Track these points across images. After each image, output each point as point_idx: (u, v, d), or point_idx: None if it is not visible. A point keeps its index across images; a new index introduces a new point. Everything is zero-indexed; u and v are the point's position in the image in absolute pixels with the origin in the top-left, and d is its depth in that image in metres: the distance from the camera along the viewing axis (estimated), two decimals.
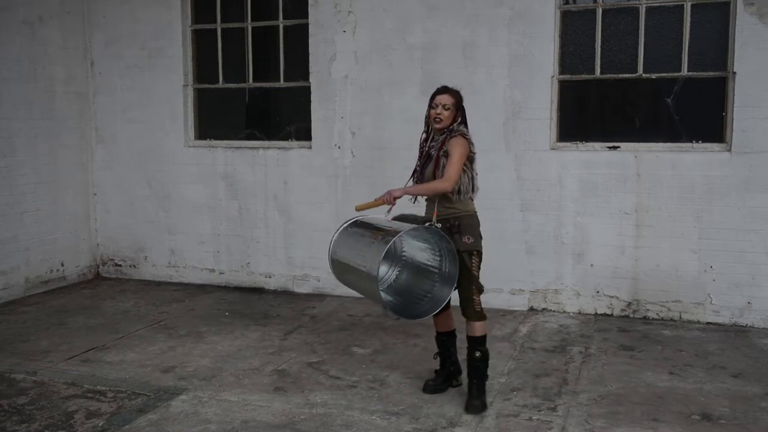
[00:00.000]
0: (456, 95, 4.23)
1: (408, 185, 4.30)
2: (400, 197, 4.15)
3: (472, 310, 4.13)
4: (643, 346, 5.38)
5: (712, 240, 5.88)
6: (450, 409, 4.18)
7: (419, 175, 4.29)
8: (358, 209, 4.33)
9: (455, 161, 4.06)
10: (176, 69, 7.36)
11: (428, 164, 4.21)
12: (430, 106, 4.23)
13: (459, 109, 4.23)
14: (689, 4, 5.87)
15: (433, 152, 4.18)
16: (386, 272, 4.44)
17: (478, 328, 4.16)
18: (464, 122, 4.25)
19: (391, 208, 4.23)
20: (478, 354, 4.17)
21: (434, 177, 4.14)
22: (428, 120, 4.27)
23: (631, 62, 6.08)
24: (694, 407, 4.21)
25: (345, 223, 4.44)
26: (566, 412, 4.14)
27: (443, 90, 4.25)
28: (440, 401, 4.29)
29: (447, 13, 6.38)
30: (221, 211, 7.34)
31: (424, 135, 4.34)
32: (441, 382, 4.45)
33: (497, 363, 4.96)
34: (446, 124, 4.19)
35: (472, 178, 4.20)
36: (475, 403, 4.13)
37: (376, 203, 4.24)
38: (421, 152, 4.34)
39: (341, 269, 4.38)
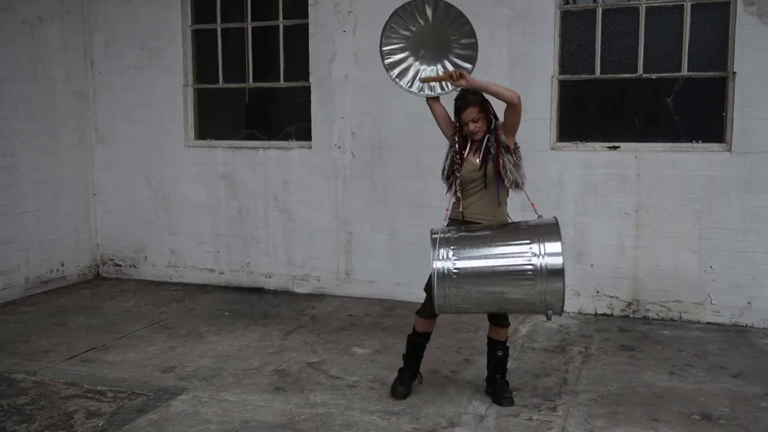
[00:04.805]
0: (477, 100, 4.10)
1: (451, 186, 4.17)
2: (468, 84, 4.07)
3: (505, 317, 4.28)
4: (643, 346, 5.38)
5: (712, 240, 5.88)
6: (450, 409, 4.19)
7: (459, 180, 4.13)
8: (424, 80, 4.30)
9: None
10: (176, 69, 7.36)
11: (486, 163, 4.09)
12: (461, 123, 4.13)
13: (487, 108, 4.14)
14: (689, 4, 5.88)
15: (492, 149, 4.08)
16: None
17: (506, 333, 4.35)
18: (496, 116, 4.19)
19: (452, 203, 4.14)
20: (500, 353, 4.31)
21: (497, 173, 4.04)
22: (464, 133, 4.16)
23: (631, 62, 6.08)
24: (694, 407, 4.22)
25: (436, 235, 3.90)
26: (566, 412, 4.14)
27: (465, 104, 4.09)
28: (440, 401, 4.30)
29: None
30: (221, 211, 7.34)
31: (457, 141, 4.16)
32: (409, 383, 4.40)
33: None
34: (485, 130, 4.13)
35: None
36: (507, 396, 4.26)
37: (442, 77, 4.22)
38: (457, 157, 4.14)
39: (474, 283, 3.81)
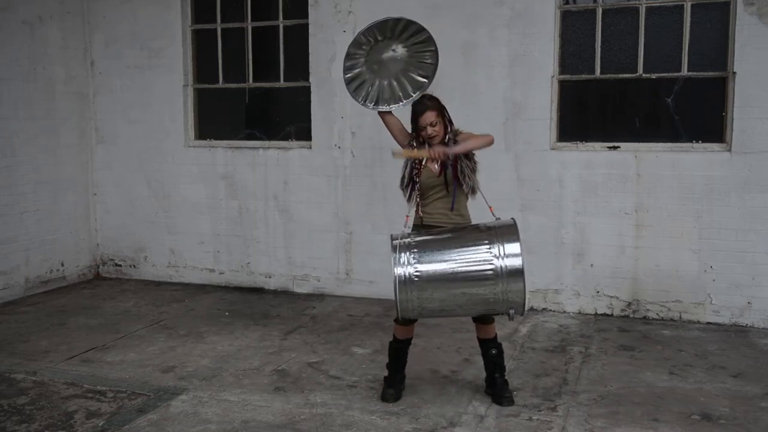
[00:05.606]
0: (435, 105, 4.12)
1: (410, 196, 4.18)
2: (449, 156, 4.00)
3: (490, 315, 4.21)
4: (643, 346, 5.38)
5: (712, 240, 5.88)
6: (450, 409, 4.19)
7: (417, 186, 4.13)
8: (396, 155, 4.13)
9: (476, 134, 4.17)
10: (176, 69, 7.36)
11: (445, 169, 4.09)
12: (419, 128, 4.12)
13: (444, 114, 4.15)
14: (689, 4, 5.88)
15: (450, 159, 4.08)
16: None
17: (494, 329, 4.31)
18: (451, 121, 4.19)
19: (410, 217, 4.15)
20: (494, 351, 4.29)
21: (457, 181, 4.06)
22: (421, 139, 4.15)
23: (631, 62, 6.08)
24: (694, 407, 4.22)
25: (396, 241, 3.92)
26: (566, 412, 4.14)
27: (423, 109, 4.09)
28: (440, 401, 4.30)
29: (447, 13, 6.38)
30: (221, 211, 7.35)
31: (415, 148, 4.16)
32: (399, 386, 4.35)
33: None
34: (443, 135, 4.12)
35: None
36: (507, 396, 4.26)
37: (420, 154, 4.03)
38: (416, 163, 4.13)
39: (435, 287, 3.84)
